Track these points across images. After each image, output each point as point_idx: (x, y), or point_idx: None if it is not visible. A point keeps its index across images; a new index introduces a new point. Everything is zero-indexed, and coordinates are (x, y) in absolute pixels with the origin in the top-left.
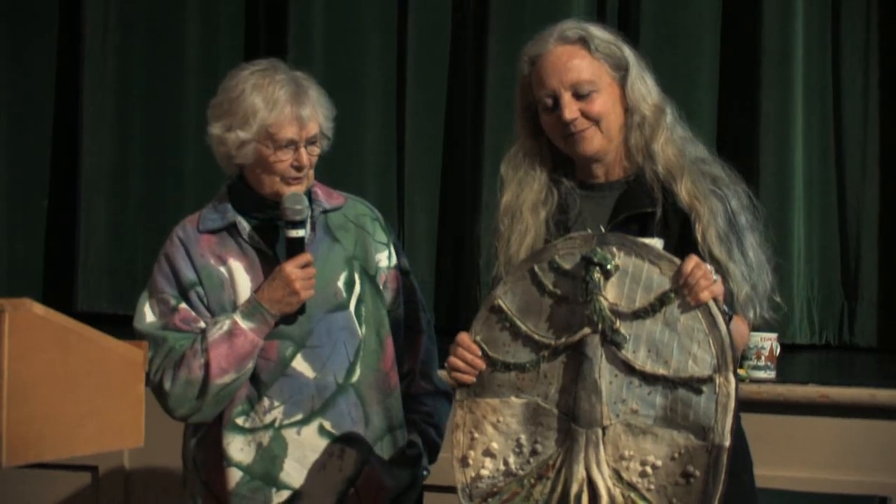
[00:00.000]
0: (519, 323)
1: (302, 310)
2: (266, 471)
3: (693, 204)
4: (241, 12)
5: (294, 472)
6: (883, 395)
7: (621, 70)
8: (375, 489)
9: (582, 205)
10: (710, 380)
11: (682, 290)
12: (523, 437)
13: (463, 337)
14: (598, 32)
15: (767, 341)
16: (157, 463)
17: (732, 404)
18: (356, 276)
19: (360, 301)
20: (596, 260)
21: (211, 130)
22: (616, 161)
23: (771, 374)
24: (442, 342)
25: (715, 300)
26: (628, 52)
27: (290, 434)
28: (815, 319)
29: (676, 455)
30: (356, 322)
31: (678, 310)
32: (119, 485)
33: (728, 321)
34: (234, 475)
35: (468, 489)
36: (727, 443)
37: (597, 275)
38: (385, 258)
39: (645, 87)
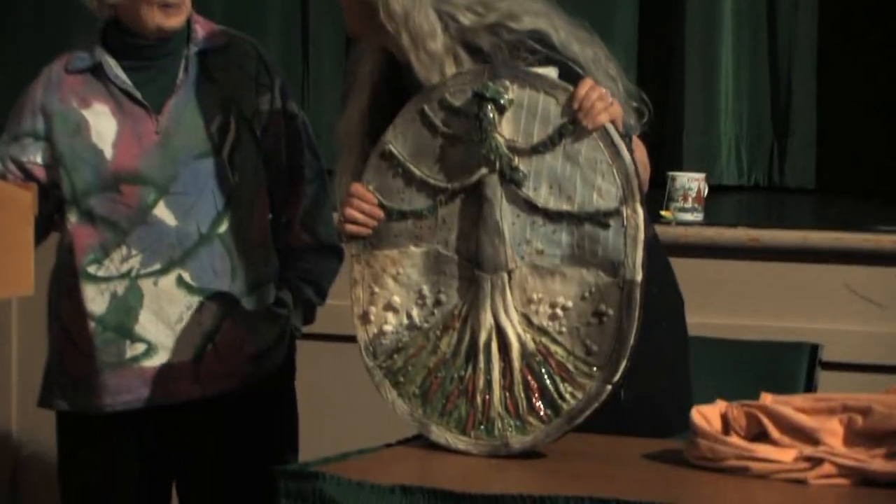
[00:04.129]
0: (412, 168)
1: None
2: (120, 322)
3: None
4: None
5: (150, 325)
6: (816, 238)
7: None
8: (236, 346)
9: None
10: (616, 212)
11: (578, 117)
12: (425, 288)
13: (357, 187)
14: None
15: (695, 182)
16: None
17: (642, 236)
18: (232, 121)
19: (234, 148)
20: (488, 95)
21: None
22: None
23: (698, 217)
24: None
25: (613, 123)
26: None
27: (146, 284)
28: (743, 158)
29: (587, 294)
30: (229, 169)
31: (578, 140)
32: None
33: (629, 144)
34: (89, 325)
35: (371, 346)
36: (639, 277)
37: (490, 111)
38: (267, 102)
39: None
